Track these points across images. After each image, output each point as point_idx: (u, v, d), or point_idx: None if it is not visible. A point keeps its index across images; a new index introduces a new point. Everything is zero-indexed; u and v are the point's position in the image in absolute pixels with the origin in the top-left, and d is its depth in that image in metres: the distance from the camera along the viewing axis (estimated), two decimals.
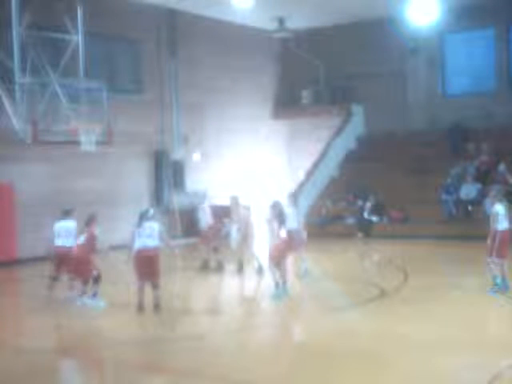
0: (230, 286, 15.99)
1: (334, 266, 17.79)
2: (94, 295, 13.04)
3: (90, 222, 13.19)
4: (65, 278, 13.66)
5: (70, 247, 13.27)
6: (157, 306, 12.29)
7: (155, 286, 12.34)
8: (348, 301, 13.45)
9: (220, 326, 11.87)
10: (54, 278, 13.65)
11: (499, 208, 12.85)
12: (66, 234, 13.46)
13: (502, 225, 12.79)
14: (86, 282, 13.06)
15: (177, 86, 24.21)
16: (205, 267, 16.68)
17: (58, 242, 13.48)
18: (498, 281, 12.82)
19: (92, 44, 19.20)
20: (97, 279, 13.05)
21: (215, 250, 16.86)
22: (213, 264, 16.75)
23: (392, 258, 18.27)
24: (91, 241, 13.10)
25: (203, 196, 18.61)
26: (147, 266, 12.29)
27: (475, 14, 24.32)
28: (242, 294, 15.13)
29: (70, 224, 13.59)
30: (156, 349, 10.37)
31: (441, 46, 26.44)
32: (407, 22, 22.20)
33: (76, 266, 13.10)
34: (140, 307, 12.27)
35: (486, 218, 13.50)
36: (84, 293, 13.08)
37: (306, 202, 24.59)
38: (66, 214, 13.80)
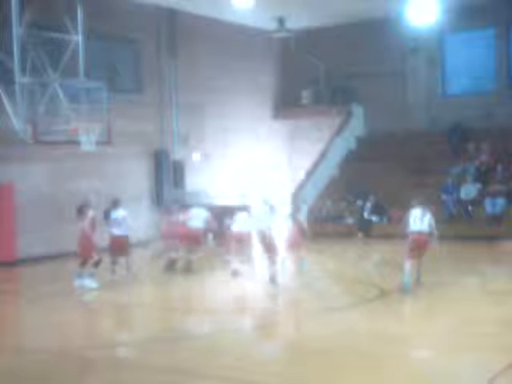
0: (226, 286, 15.97)
1: (334, 266, 17.79)
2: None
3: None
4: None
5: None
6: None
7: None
8: (348, 301, 13.45)
9: (220, 325, 11.86)
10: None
11: (415, 212, 13.88)
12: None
13: (415, 227, 13.75)
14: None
15: (177, 85, 24.21)
16: (171, 267, 16.49)
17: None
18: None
19: (92, 44, 19.19)
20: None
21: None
22: (180, 264, 16.55)
23: (392, 258, 18.26)
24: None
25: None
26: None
27: (475, 14, 24.31)
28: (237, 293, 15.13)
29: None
30: (156, 349, 10.37)
31: (441, 46, 26.44)
32: (407, 21, 22.17)
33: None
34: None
35: None
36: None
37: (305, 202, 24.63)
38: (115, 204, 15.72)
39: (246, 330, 11.58)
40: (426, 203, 14.19)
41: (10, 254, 18.89)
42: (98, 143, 17.63)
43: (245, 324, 11.95)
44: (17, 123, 16.87)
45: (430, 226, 13.84)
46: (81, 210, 15.06)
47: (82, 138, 17.28)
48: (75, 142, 17.40)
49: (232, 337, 11.05)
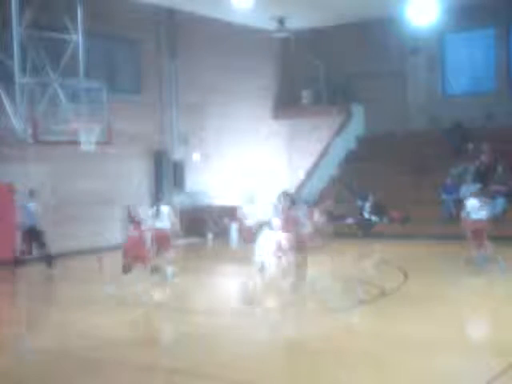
0: (224, 285, 16.00)
1: (334, 266, 17.78)
2: None
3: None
4: None
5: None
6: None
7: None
8: (348, 301, 13.45)
9: (219, 325, 11.86)
10: None
11: (472, 202, 15.81)
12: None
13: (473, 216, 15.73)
14: None
15: (177, 86, 24.21)
16: None
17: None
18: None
19: (92, 44, 19.20)
20: None
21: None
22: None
23: (392, 258, 18.27)
24: None
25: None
26: None
27: (475, 14, 24.33)
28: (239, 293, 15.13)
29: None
30: (156, 349, 10.37)
31: (441, 46, 26.44)
32: (407, 21, 22.15)
33: None
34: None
35: None
36: None
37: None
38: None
39: (246, 329, 11.57)
40: (482, 194, 16.39)
41: (10, 253, 18.87)
42: (97, 143, 17.65)
43: (244, 323, 11.95)
44: (17, 123, 16.89)
45: (487, 212, 15.73)
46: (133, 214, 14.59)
47: (82, 138, 17.30)
48: (75, 142, 17.42)
49: (231, 336, 11.04)
